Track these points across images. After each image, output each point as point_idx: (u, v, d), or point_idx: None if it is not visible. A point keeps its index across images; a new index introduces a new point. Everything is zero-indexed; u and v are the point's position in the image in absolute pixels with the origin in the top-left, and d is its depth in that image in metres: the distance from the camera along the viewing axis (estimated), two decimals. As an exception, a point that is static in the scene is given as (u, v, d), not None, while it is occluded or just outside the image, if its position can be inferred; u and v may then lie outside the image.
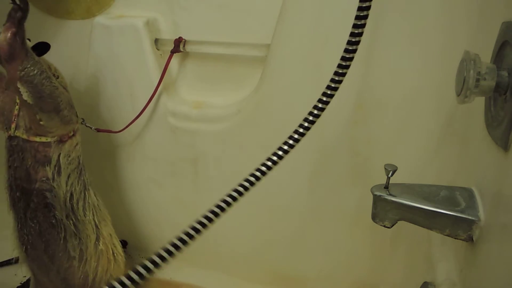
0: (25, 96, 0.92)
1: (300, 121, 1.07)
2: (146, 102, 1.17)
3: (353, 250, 1.14)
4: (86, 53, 1.24)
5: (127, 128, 1.21)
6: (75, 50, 1.33)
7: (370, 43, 0.95)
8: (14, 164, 1.00)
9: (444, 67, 0.89)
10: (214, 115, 1.17)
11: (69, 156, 1.02)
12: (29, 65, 0.90)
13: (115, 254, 1.13)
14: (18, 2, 0.85)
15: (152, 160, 1.27)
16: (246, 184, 0.62)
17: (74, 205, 1.03)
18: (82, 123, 1.14)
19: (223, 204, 0.61)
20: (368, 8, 0.53)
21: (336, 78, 0.60)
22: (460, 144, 0.80)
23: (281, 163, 1.12)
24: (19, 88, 0.91)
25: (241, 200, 1.23)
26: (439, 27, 0.88)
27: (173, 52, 1.15)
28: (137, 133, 1.25)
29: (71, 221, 1.02)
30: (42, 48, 1.01)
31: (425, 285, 0.67)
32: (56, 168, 1.00)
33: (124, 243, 1.43)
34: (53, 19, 1.31)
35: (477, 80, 0.47)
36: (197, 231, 0.58)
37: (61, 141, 1.00)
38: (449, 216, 0.56)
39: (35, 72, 0.91)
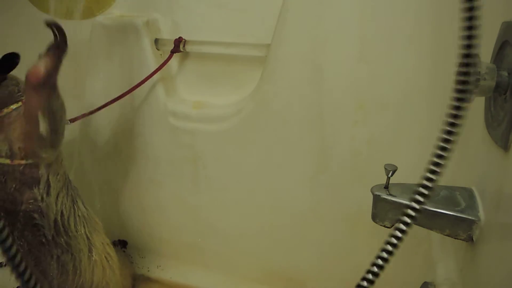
0: (42, 127, 0.85)
1: (300, 121, 1.08)
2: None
3: (353, 250, 1.14)
4: (86, 53, 1.24)
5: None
6: (75, 50, 1.32)
7: (370, 43, 0.95)
8: None
9: (444, 67, 0.89)
10: (214, 115, 1.17)
11: (58, 174, 0.96)
12: (56, 96, 0.85)
13: (109, 261, 1.10)
14: (58, 38, 0.81)
15: (152, 160, 1.27)
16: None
17: (65, 222, 0.98)
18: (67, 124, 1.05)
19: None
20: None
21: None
22: (460, 144, 0.80)
23: (277, 161, 1.12)
24: (37, 119, 0.85)
25: (246, 200, 1.23)
26: (439, 27, 0.88)
27: (173, 52, 1.15)
28: (137, 133, 1.25)
29: (62, 239, 0.97)
30: (10, 61, 0.90)
31: (425, 285, 0.67)
32: (46, 188, 0.93)
33: (124, 243, 1.43)
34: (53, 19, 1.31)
35: (477, 80, 0.47)
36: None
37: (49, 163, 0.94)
38: (449, 216, 0.56)
39: (59, 105, 0.87)
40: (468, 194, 0.60)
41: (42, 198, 0.93)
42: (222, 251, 1.31)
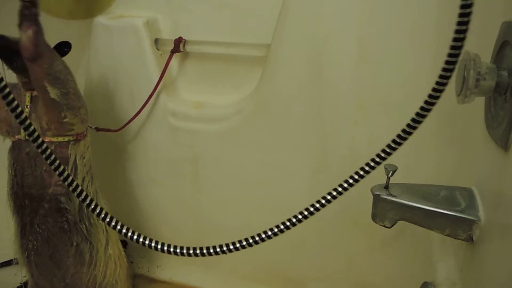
0: (52, 94, 0.89)
1: (300, 121, 1.08)
2: (145, 101, 1.16)
3: (353, 250, 1.14)
4: (86, 53, 1.24)
5: (127, 128, 1.21)
6: (75, 50, 1.32)
7: (370, 43, 0.95)
8: (22, 173, 0.97)
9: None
10: (214, 115, 1.17)
11: (84, 158, 1.01)
12: (53, 61, 0.88)
13: (120, 259, 1.12)
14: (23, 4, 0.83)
15: (152, 160, 1.27)
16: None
17: (89, 209, 1.02)
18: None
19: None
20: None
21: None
22: (460, 144, 0.80)
23: (277, 161, 1.12)
24: (46, 86, 0.89)
25: (246, 200, 1.23)
26: (439, 26, 0.88)
27: (173, 52, 1.15)
28: (137, 133, 1.25)
29: (84, 225, 1.00)
30: (63, 48, 1.01)
31: (425, 285, 0.67)
32: (73, 169, 0.98)
33: (124, 243, 1.43)
34: (53, 19, 1.31)
35: (477, 80, 0.47)
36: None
37: (77, 139, 0.99)
38: (449, 216, 0.56)
39: (60, 67, 0.90)
40: (468, 194, 0.60)
41: (72, 180, 0.96)
42: (222, 251, 1.31)
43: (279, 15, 1.01)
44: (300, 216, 0.60)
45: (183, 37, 1.15)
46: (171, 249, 0.59)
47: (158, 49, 1.19)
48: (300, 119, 1.06)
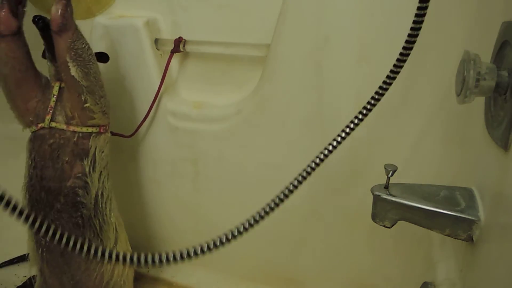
0: (73, 71, 0.93)
1: (300, 121, 1.08)
2: (150, 103, 1.16)
3: (353, 250, 1.14)
4: (86, 53, 1.24)
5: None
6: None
7: (370, 43, 0.95)
8: (44, 164, 0.97)
9: (444, 67, 0.89)
10: (214, 115, 1.17)
11: (102, 152, 1.02)
12: (78, 39, 0.93)
13: None
14: None
15: (152, 160, 1.27)
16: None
17: (103, 204, 1.02)
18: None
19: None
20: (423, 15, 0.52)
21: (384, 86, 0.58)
22: (460, 144, 0.80)
23: (276, 161, 1.12)
24: (67, 62, 0.92)
25: (246, 201, 1.23)
26: (439, 26, 0.88)
27: (173, 52, 1.15)
28: (137, 133, 1.25)
29: (97, 221, 1.01)
30: (101, 57, 1.06)
31: (425, 285, 0.67)
32: (92, 162, 1.00)
33: (124, 243, 1.43)
34: (53, 19, 1.31)
35: (477, 80, 0.47)
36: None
37: (99, 132, 1.01)
38: (449, 216, 0.56)
39: (83, 46, 0.94)
40: (468, 194, 0.60)
41: (89, 171, 0.99)
42: (222, 251, 1.31)
43: (279, 15, 1.01)
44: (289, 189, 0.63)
45: (183, 37, 1.15)
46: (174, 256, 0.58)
47: (158, 49, 1.19)
48: (300, 119, 1.06)
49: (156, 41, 1.18)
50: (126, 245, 1.13)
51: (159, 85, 1.15)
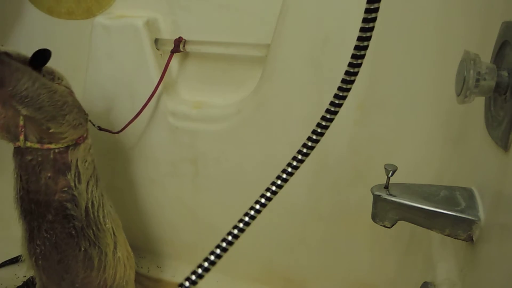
0: (24, 111, 0.89)
1: (300, 121, 1.07)
2: (145, 102, 1.16)
3: (353, 250, 1.14)
4: (86, 53, 1.24)
5: (127, 128, 1.21)
6: (75, 50, 1.32)
7: (370, 43, 0.95)
8: (28, 178, 0.96)
9: (444, 67, 0.89)
10: (214, 115, 1.17)
11: (86, 161, 0.99)
12: (18, 82, 0.87)
13: (129, 260, 1.12)
14: None
15: (152, 160, 1.27)
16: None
17: (95, 213, 1.00)
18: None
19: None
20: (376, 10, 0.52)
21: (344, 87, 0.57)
22: (460, 144, 0.80)
23: (276, 161, 1.12)
24: (15, 106, 0.89)
25: (246, 201, 1.23)
26: (439, 26, 0.88)
27: (173, 52, 1.15)
28: (137, 133, 1.25)
29: (91, 231, 1.00)
30: (42, 56, 0.95)
31: (425, 285, 0.67)
32: (76, 175, 0.97)
33: (124, 243, 1.43)
34: (53, 19, 1.31)
35: (477, 80, 0.47)
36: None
37: (76, 144, 0.98)
38: (449, 216, 0.56)
39: (26, 85, 0.88)
40: (468, 194, 0.60)
41: (75, 185, 0.96)
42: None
43: (279, 15, 1.01)
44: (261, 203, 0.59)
45: (183, 37, 1.15)
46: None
47: (158, 49, 1.19)
48: (300, 119, 1.06)
49: (156, 41, 1.18)
50: (126, 247, 1.13)
51: (157, 84, 1.15)
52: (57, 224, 0.97)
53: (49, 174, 0.95)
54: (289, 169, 0.57)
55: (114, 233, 1.06)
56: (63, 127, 0.94)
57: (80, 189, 0.97)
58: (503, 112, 0.49)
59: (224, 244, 0.56)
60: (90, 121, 1.10)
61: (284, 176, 0.58)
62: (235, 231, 0.56)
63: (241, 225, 0.57)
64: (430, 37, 0.90)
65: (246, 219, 0.57)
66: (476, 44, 0.70)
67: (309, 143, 0.59)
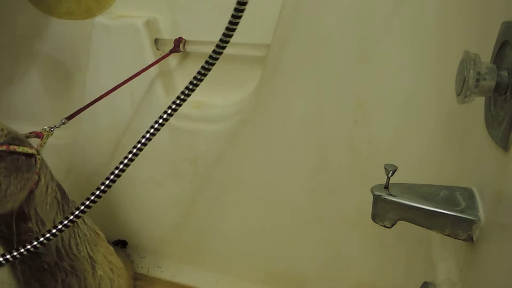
0: None
1: (300, 121, 1.07)
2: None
3: (353, 250, 1.14)
4: (86, 53, 1.24)
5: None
6: (75, 50, 1.32)
7: (370, 43, 0.95)
8: None
9: (444, 67, 0.89)
10: (214, 115, 1.17)
11: (46, 204, 0.87)
12: None
13: (114, 271, 1.08)
14: None
15: (152, 160, 1.27)
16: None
17: (67, 247, 0.92)
18: (52, 130, 0.95)
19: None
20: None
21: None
22: (460, 144, 0.80)
23: (276, 161, 1.12)
24: None
25: (246, 201, 1.23)
26: (439, 26, 0.88)
27: (172, 51, 1.15)
28: (137, 133, 1.25)
29: (65, 263, 0.93)
30: None
31: (425, 285, 0.67)
32: (39, 220, 0.86)
33: (124, 243, 1.43)
34: (53, 19, 1.31)
35: (477, 80, 0.47)
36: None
37: (29, 194, 0.83)
38: (449, 216, 0.56)
39: None
40: (468, 194, 0.60)
41: (38, 229, 0.86)
42: (222, 251, 1.31)
43: (279, 15, 1.01)
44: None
45: (183, 37, 1.15)
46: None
47: (158, 49, 1.19)
48: (300, 119, 1.06)
49: (156, 41, 1.18)
50: (108, 259, 1.06)
51: (143, 69, 1.10)
52: (27, 259, 0.88)
53: (9, 223, 0.84)
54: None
55: (90, 256, 0.99)
56: (9, 204, 0.79)
57: (44, 231, 0.83)
58: (503, 112, 0.49)
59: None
60: (58, 126, 0.97)
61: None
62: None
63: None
64: (430, 37, 0.90)
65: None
66: (476, 44, 0.70)
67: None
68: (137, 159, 1.30)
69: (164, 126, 1.23)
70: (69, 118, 1.01)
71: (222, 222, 1.26)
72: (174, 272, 1.35)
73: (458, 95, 0.50)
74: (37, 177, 0.84)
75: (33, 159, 0.82)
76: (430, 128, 0.95)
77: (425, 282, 0.68)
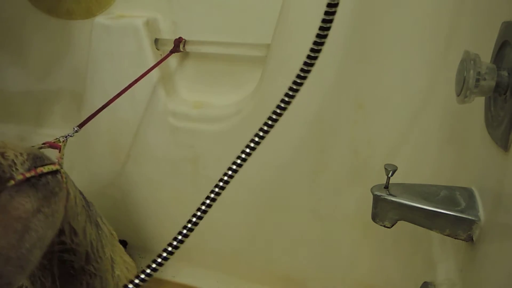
0: None
1: (300, 121, 1.07)
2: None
3: (353, 250, 1.14)
4: (86, 53, 1.24)
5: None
6: (75, 50, 1.33)
7: (370, 43, 0.95)
8: None
9: (444, 67, 0.89)
10: (214, 115, 1.17)
11: (77, 215, 0.84)
12: None
13: (129, 269, 1.10)
14: None
15: (152, 160, 1.27)
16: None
17: (95, 250, 0.92)
18: (65, 139, 0.91)
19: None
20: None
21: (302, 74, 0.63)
22: (460, 144, 0.80)
23: (276, 161, 1.12)
24: None
25: (246, 201, 1.23)
26: (439, 26, 0.88)
27: (172, 51, 1.15)
28: (137, 133, 1.25)
29: (91, 266, 0.92)
30: None
31: (425, 285, 0.67)
32: (72, 233, 0.83)
33: (124, 243, 1.43)
34: (53, 19, 1.31)
35: (477, 80, 0.47)
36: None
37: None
38: (449, 216, 0.56)
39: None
40: (468, 194, 0.60)
41: (71, 241, 0.83)
42: (222, 251, 1.31)
43: (279, 15, 1.01)
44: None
45: (183, 37, 1.15)
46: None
47: (158, 49, 1.19)
48: (300, 119, 1.06)
49: (156, 41, 1.18)
50: (123, 258, 1.08)
51: (146, 72, 1.10)
52: (55, 267, 0.86)
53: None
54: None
55: (112, 257, 1.00)
56: (57, 226, 0.75)
57: (78, 241, 0.85)
58: (503, 112, 0.49)
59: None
60: (71, 135, 0.94)
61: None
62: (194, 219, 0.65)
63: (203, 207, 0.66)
64: (430, 37, 0.90)
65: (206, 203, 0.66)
66: (476, 44, 0.70)
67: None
68: (137, 159, 1.31)
69: (164, 126, 1.24)
70: (81, 126, 0.99)
71: (222, 222, 1.26)
72: (174, 272, 1.35)
73: (458, 95, 0.50)
74: (66, 192, 0.77)
75: (59, 175, 0.75)
76: (430, 128, 0.95)
77: (425, 282, 0.68)
